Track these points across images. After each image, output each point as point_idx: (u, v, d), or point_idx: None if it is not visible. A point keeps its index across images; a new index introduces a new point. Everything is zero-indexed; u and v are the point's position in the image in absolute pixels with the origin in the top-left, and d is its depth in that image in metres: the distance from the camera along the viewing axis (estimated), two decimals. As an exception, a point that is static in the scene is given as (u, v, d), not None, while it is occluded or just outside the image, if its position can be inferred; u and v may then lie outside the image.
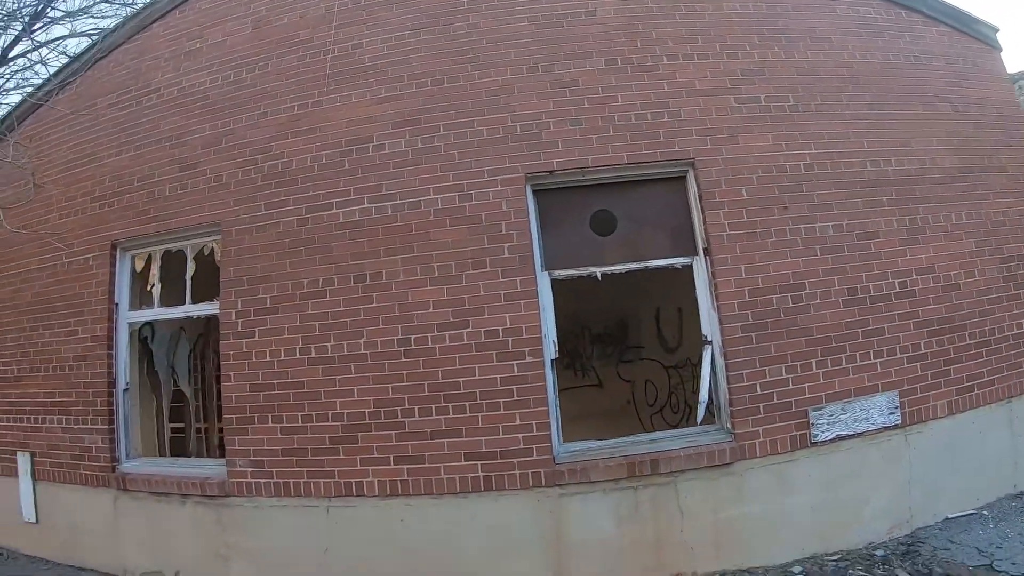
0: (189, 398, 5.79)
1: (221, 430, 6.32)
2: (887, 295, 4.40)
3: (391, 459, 4.01)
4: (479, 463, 3.93)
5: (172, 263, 4.95)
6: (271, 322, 4.29)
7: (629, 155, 4.24)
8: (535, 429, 3.93)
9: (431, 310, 4.07)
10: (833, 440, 4.11)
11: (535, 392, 3.96)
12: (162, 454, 5.30)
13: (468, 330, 4.03)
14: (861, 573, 3.83)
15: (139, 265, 4.99)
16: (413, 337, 4.07)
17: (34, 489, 5.13)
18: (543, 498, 3.91)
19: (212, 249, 4.70)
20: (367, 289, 4.16)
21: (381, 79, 4.46)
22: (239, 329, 4.35)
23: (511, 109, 4.30)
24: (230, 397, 4.33)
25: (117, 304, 4.94)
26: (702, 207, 4.24)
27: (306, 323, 4.22)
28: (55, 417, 5.04)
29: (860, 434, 4.18)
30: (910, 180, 4.68)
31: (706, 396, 4.10)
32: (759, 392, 4.09)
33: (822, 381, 4.16)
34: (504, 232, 4.10)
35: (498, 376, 3.97)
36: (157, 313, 4.90)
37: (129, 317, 4.95)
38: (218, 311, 4.52)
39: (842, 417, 4.19)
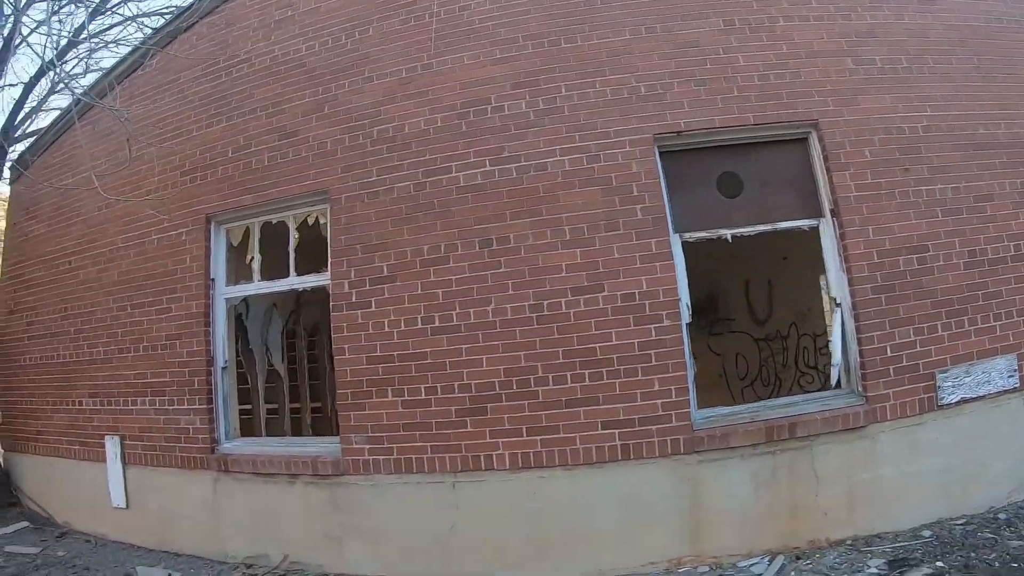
0: (283, 377, 5.60)
1: (315, 409, 6.24)
2: (1003, 258, 4.28)
3: (523, 430, 3.86)
4: (616, 431, 3.79)
5: (269, 235, 4.79)
6: (389, 291, 4.13)
7: (755, 116, 4.12)
8: (673, 395, 3.79)
9: (564, 274, 3.93)
10: (958, 403, 4.01)
11: (673, 356, 3.83)
12: (257, 434, 5.12)
13: (603, 294, 3.89)
14: (989, 536, 3.73)
15: (235, 238, 4.82)
16: (546, 302, 3.92)
17: (124, 474, 4.95)
18: (681, 466, 3.78)
19: (316, 219, 4.54)
20: (494, 254, 4.01)
21: (494, 40, 4.32)
22: (353, 300, 4.19)
23: (633, 69, 4.17)
24: (344, 371, 4.17)
25: (213, 279, 4.77)
26: (827, 168, 4.12)
27: (428, 291, 4.07)
28: (147, 399, 4.87)
29: (982, 397, 4.07)
30: (1020, 143, 4.58)
31: (839, 359, 3.99)
32: (889, 355, 3.97)
33: (947, 344, 4.05)
34: (636, 194, 3.97)
35: (635, 341, 3.84)
36: (258, 287, 4.73)
37: (226, 292, 4.78)
38: (328, 282, 4.37)
39: (966, 380, 4.10)
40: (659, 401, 3.79)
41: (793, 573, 3.65)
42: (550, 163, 4.06)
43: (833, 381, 4.05)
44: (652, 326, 3.85)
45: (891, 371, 3.96)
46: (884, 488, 3.87)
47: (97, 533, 5.14)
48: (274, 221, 4.73)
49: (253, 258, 4.74)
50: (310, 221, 4.61)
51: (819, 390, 4.47)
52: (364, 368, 4.10)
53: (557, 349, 3.88)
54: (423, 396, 3.99)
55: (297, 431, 5.69)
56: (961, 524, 3.87)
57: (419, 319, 4.05)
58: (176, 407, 4.73)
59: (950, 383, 4.04)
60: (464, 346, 3.96)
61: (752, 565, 3.77)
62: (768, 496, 3.80)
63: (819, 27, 4.39)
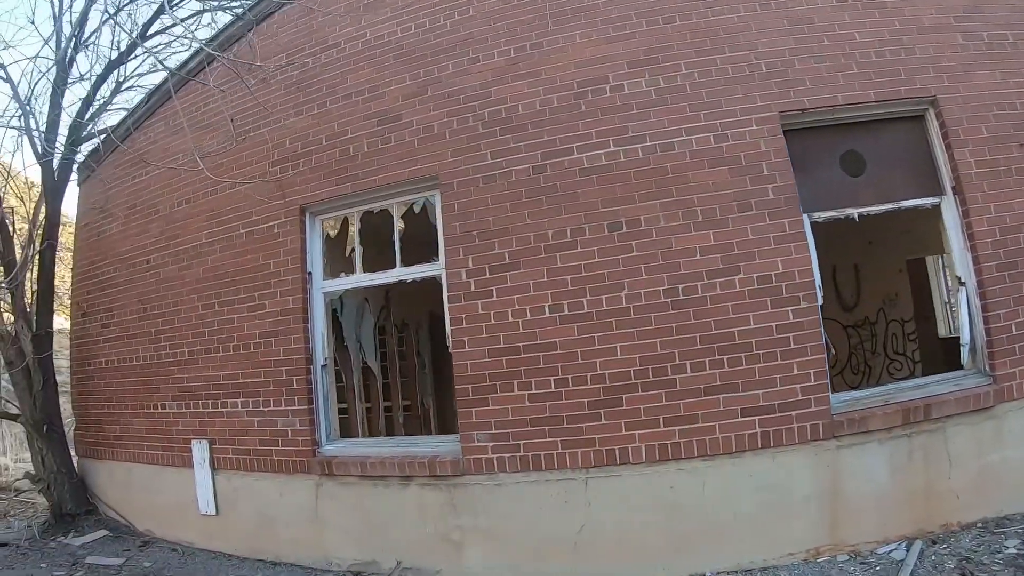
0: (376, 375, 5.41)
1: (407, 407, 6.05)
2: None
3: (660, 421, 3.72)
4: (756, 419, 3.66)
5: (367, 226, 4.61)
6: (512, 279, 3.97)
7: (876, 93, 4.01)
8: (812, 379, 3.67)
9: (698, 257, 3.80)
10: (1081, 382, 3.93)
11: (811, 339, 3.71)
12: (355, 435, 4.93)
13: (740, 276, 3.76)
14: (1116, 517, 3.66)
15: (331, 229, 4.63)
16: (681, 286, 3.79)
17: (213, 479, 4.73)
18: (821, 452, 3.66)
19: (423, 206, 4.38)
20: (624, 237, 3.88)
21: (606, 19, 4.18)
22: (472, 289, 4.03)
23: (752, 47, 4.05)
24: (463, 365, 4.00)
25: (310, 273, 4.58)
26: (948, 145, 4.03)
27: (555, 278, 3.92)
28: (238, 400, 4.66)
29: (1102, 376, 4.01)
30: None
31: (968, 338, 3.90)
32: (1014, 332, 3.85)
33: (1069, 322, 3.98)
34: (766, 173, 3.85)
35: (773, 324, 3.71)
36: (360, 280, 4.54)
37: (324, 287, 4.59)
38: (440, 272, 4.20)
39: (1088, 359, 4.02)
40: (798, 386, 3.67)
41: (933, 557, 3.56)
42: (676, 143, 3.93)
43: (964, 361, 3.95)
44: (789, 308, 3.72)
45: (1016, 349, 3.86)
46: (1012, 468, 3.75)
47: (183, 541, 4.92)
48: (375, 210, 4.56)
49: (353, 250, 4.56)
50: (416, 209, 4.43)
51: (936, 373, 4.35)
52: (486, 361, 3.94)
53: (694, 335, 3.74)
54: (552, 389, 3.83)
55: (390, 431, 5.49)
56: (1085, 505, 3.79)
57: (546, 307, 3.90)
58: (272, 408, 4.53)
59: (1074, 362, 3.96)
60: (596, 334, 3.82)
61: (891, 551, 3.66)
62: (904, 480, 3.70)
63: (927, 2, 4.30)
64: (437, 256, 4.29)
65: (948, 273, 4.08)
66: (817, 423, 3.64)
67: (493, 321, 3.97)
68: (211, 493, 4.72)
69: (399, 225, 4.45)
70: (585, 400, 3.80)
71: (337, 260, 4.69)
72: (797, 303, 3.73)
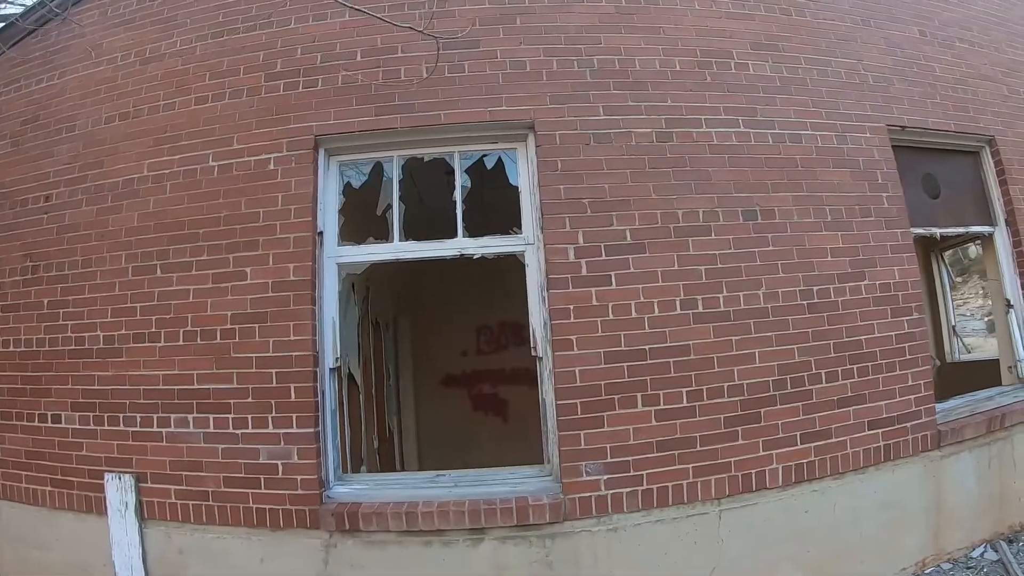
0: (359, 385, 3.95)
1: (388, 432, 4.45)
2: None
3: (797, 437, 3.24)
4: (880, 431, 3.39)
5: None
6: (635, 264, 3.17)
7: (955, 124, 4.17)
8: (922, 389, 3.55)
9: (829, 258, 3.44)
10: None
11: (921, 350, 3.59)
12: (359, 469, 3.53)
13: (865, 283, 3.50)
14: None
15: (356, 178, 3.32)
16: (815, 288, 3.39)
17: (142, 535, 2.97)
18: (928, 463, 3.55)
19: (507, 157, 3.36)
20: (760, 229, 3.36)
21: (726, -8, 3.73)
22: (583, 273, 3.13)
23: (859, 57, 3.93)
24: (570, 373, 3.05)
25: (321, 233, 3.19)
26: (1002, 181, 4.31)
27: (687, 267, 3.22)
28: (189, 417, 3.04)
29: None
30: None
31: (1022, 355, 4.20)
32: None
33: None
34: (880, 181, 3.70)
35: (893, 334, 3.52)
36: (397, 251, 3.23)
37: (340, 255, 3.22)
38: (527, 248, 3.22)
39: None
40: (912, 397, 3.52)
41: (1020, 553, 3.69)
42: (804, 135, 3.59)
43: (1021, 375, 4.20)
44: (904, 319, 3.57)
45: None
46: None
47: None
48: (426, 158, 3.38)
49: (388, 207, 3.30)
50: (489, 163, 3.38)
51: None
52: (602, 368, 3.06)
53: (828, 342, 3.36)
54: (684, 403, 3.10)
55: (388, 465, 4.05)
56: None
57: (677, 303, 3.18)
58: (252, 431, 3.01)
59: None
60: (734, 338, 3.21)
61: (983, 553, 3.72)
62: (986, 487, 3.77)
63: (982, 54, 4.58)
64: (519, 227, 3.30)
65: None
66: (926, 434, 3.53)
67: (612, 316, 3.11)
68: (138, 555, 2.95)
69: (462, 182, 3.34)
70: (721, 416, 3.14)
71: (359, 221, 3.37)
72: (910, 313, 3.60)
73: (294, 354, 3.04)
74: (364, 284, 4.11)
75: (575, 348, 3.07)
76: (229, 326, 3.07)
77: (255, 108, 3.23)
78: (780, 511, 3.19)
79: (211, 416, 3.02)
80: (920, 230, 3.99)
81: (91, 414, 3.08)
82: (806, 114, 3.64)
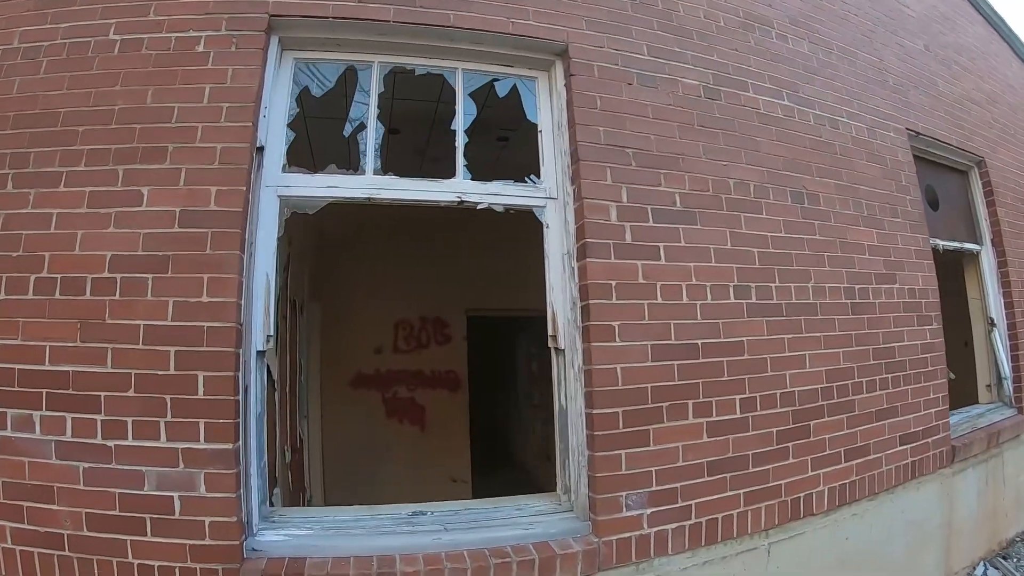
0: (275, 379, 2.81)
1: (300, 441, 3.17)
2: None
3: (842, 455, 2.79)
4: (908, 447, 3.10)
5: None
6: (686, 237, 2.52)
7: (957, 139, 4.12)
8: (940, 403, 3.33)
9: (867, 256, 3.09)
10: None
11: (940, 362, 3.38)
12: (271, 492, 2.47)
13: (896, 286, 3.20)
14: None
15: (318, 83, 2.32)
16: (857, 287, 3.00)
17: None
18: (943, 479, 3.35)
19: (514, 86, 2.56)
20: (807, 214, 2.89)
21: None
22: (628, 240, 2.41)
23: (881, 56, 3.72)
24: (611, 372, 2.29)
25: (261, 149, 2.16)
26: (988, 202, 4.36)
27: (740, 247, 2.63)
28: (36, 415, 1.88)
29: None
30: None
31: (1008, 372, 4.17)
32: None
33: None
34: (904, 183, 3.46)
35: (919, 343, 3.25)
36: (369, 186, 2.25)
37: (285, 185, 2.21)
38: (548, 202, 2.45)
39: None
40: (933, 411, 3.29)
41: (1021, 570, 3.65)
42: (840, 123, 3.25)
43: (1008, 393, 4.17)
44: (927, 328, 3.34)
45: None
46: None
47: None
48: (417, 71, 2.46)
49: (361, 127, 2.35)
50: (501, 91, 2.56)
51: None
52: (649, 367, 2.34)
53: (868, 347, 2.99)
54: (738, 414, 2.50)
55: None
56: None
57: (731, 289, 2.58)
58: (133, 443, 1.90)
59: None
60: (787, 336, 2.68)
61: (983, 572, 3.63)
62: (982, 503, 3.71)
63: (971, 80, 4.66)
64: (538, 176, 2.52)
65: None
66: (942, 449, 3.33)
67: (660, 299, 2.42)
68: None
69: (463, 106, 2.47)
70: (774, 430, 2.58)
71: (315, 145, 2.36)
72: (931, 323, 3.37)
73: (207, 325, 1.95)
74: (285, 248, 3.02)
75: (617, 338, 2.32)
76: (107, 275, 1.93)
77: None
78: (825, 540, 2.73)
79: (69, 416, 1.86)
80: (933, 240, 3.81)
81: None
82: (841, 101, 3.31)
